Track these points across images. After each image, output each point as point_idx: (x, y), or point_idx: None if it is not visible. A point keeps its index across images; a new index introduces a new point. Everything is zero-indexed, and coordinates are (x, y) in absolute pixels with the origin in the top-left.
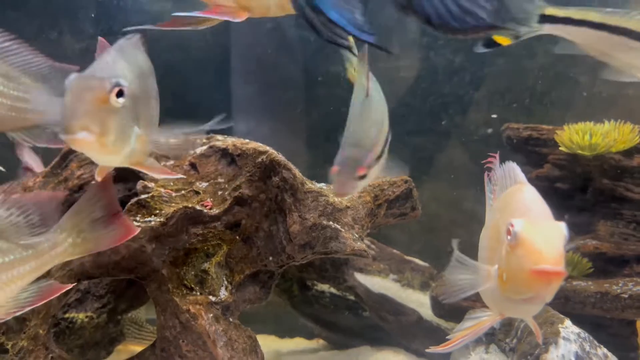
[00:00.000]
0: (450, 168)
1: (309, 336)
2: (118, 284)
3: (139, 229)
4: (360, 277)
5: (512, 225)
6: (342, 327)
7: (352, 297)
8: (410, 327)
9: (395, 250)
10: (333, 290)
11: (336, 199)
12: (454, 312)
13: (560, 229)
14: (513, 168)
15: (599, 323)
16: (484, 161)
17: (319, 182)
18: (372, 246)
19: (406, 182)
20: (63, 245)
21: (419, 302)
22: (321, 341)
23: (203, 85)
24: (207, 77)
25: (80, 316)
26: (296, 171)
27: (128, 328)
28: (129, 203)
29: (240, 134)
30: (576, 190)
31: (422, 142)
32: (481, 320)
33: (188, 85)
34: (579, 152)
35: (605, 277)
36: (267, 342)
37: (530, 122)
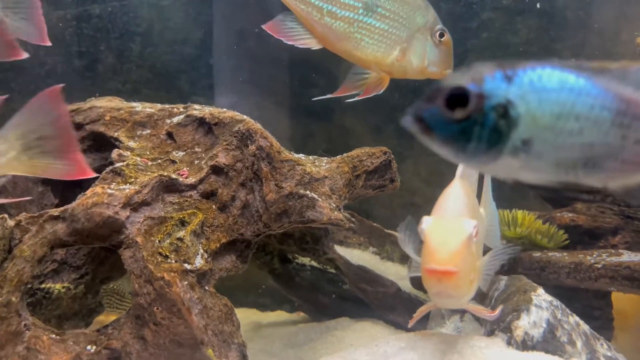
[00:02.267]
0: None
1: (291, 309)
2: (96, 254)
3: (94, 174)
4: (340, 250)
5: (421, 223)
6: (323, 299)
7: (332, 270)
8: (388, 299)
9: (375, 224)
10: (314, 263)
11: (314, 169)
12: None
13: (462, 228)
14: None
15: (573, 296)
16: None
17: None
18: (352, 219)
19: (385, 153)
20: (6, 156)
21: (398, 274)
22: (302, 314)
23: (184, 57)
24: (189, 50)
25: (57, 287)
26: (273, 140)
27: (109, 299)
28: (104, 171)
29: (222, 107)
30: None
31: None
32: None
33: (169, 57)
34: None
35: (581, 249)
36: (248, 315)
37: None
